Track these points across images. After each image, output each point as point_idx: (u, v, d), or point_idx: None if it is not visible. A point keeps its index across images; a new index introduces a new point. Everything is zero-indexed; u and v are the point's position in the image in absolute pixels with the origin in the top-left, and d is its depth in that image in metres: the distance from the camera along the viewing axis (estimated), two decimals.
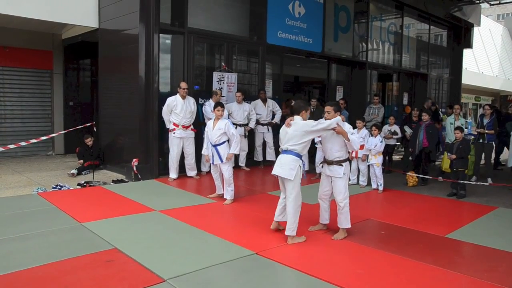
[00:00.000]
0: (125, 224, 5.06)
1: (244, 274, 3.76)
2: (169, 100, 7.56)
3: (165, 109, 7.57)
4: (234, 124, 8.33)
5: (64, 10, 8.50)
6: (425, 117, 7.98)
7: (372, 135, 7.40)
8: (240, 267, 3.91)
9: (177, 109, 7.53)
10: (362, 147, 7.25)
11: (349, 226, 4.79)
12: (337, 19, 11.61)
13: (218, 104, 6.28)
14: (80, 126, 8.90)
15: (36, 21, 8.54)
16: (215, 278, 3.67)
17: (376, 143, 7.23)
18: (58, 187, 6.95)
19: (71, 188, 7.03)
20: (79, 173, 8.12)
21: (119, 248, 4.19)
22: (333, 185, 4.81)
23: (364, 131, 7.48)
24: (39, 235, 4.57)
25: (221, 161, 6.13)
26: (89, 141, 8.75)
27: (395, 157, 9.79)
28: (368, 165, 7.41)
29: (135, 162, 7.70)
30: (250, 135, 8.98)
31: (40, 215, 5.29)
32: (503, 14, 43.38)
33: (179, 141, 7.63)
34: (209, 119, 7.45)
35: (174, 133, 7.59)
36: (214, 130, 6.17)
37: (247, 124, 8.74)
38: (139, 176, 7.62)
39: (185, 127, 7.64)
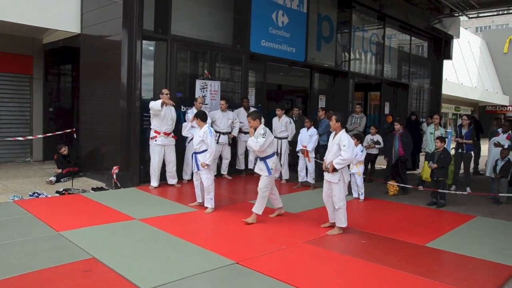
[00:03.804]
0: (104, 233, 4.97)
1: (225, 284, 3.73)
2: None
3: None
4: (217, 132, 8.34)
5: (46, 14, 8.37)
6: (397, 126, 8.10)
7: None
8: (220, 276, 3.88)
9: (160, 115, 7.46)
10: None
11: (343, 225, 5.31)
12: (320, 28, 11.73)
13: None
14: (59, 132, 8.69)
15: (17, 25, 8.37)
16: None
17: (357, 153, 7.28)
18: (36, 194, 6.80)
19: (49, 196, 6.88)
20: (57, 181, 7.94)
21: (97, 258, 4.11)
22: (332, 189, 5.35)
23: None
24: (15, 244, 4.46)
25: (198, 168, 6.13)
26: (63, 151, 8.50)
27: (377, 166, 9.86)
28: (350, 174, 7.44)
29: (115, 169, 7.60)
30: (232, 143, 8.95)
31: (16, 224, 5.16)
32: (481, 27, 44.52)
33: (160, 149, 7.56)
34: (192, 126, 7.44)
35: (155, 140, 7.52)
36: (195, 137, 6.20)
37: (230, 132, 8.72)
38: (119, 185, 7.51)
39: (167, 134, 7.57)
